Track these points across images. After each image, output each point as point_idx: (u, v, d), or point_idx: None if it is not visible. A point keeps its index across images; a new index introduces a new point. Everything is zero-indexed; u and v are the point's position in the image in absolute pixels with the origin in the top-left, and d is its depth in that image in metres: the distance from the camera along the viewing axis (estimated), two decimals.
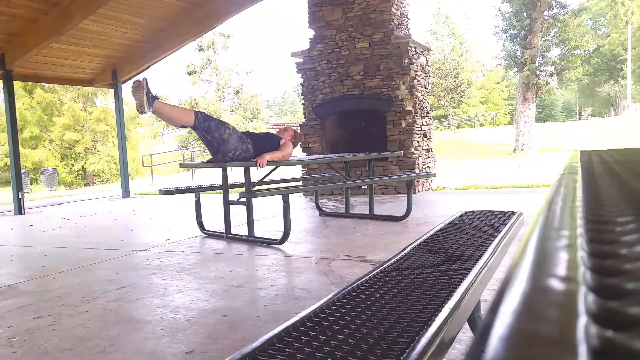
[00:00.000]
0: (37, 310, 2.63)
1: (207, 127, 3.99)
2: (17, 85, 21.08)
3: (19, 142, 8.71)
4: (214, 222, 5.21)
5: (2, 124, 21.50)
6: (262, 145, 4.25)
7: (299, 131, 4.64)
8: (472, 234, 1.89)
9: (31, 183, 21.10)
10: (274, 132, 4.67)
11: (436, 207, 6.16)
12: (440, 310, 1.02)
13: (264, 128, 31.91)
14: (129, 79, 10.20)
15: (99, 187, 20.07)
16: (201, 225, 4.80)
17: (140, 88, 3.69)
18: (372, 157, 5.35)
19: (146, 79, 3.74)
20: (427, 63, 8.28)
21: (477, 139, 21.59)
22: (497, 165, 12.90)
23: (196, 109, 4.43)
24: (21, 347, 2.11)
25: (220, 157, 4.12)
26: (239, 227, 4.92)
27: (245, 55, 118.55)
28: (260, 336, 0.91)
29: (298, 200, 7.52)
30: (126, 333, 2.20)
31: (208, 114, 4.17)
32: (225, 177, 4.42)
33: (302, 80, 8.44)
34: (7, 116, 8.22)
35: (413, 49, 7.68)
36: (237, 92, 33.83)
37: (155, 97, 3.79)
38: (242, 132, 4.31)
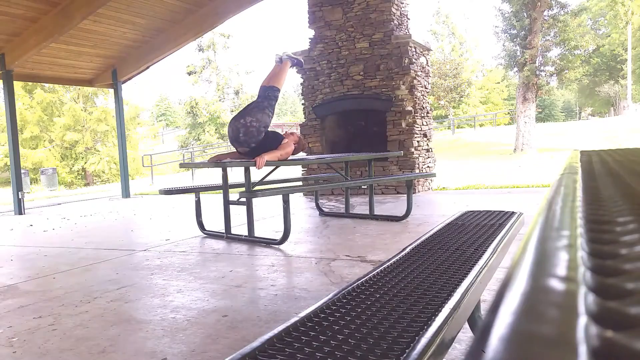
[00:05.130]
0: (37, 310, 2.63)
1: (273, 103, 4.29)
2: (17, 85, 21.09)
3: (19, 142, 8.71)
4: (214, 222, 5.21)
5: (2, 124, 21.51)
6: (265, 143, 4.19)
7: (300, 136, 4.63)
8: (472, 234, 1.89)
9: (31, 183, 21.10)
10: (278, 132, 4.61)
11: (436, 207, 6.16)
12: (440, 310, 1.02)
13: None
14: (129, 79, 10.20)
15: (99, 187, 20.07)
16: (201, 225, 4.80)
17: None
18: (372, 157, 5.35)
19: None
20: (427, 63, 8.28)
21: (477, 139, 21.58)
22: (497, 165, 12.90)
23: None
24: (21, 347, 2.11)
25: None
26: (239, 227, 4.92)
27: (245, 55, 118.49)
28: (260, 336, 0.91)
29: (298, 200, 7.52)
30: (126, 333, 2.20)
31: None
32: (225, 177, 4.42)
33: (302, 80, 8.44)
34: (7, 116, 8.23)
35: (413, 49, 7.68)
36: (237, 92, 33.80)
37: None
38: None
